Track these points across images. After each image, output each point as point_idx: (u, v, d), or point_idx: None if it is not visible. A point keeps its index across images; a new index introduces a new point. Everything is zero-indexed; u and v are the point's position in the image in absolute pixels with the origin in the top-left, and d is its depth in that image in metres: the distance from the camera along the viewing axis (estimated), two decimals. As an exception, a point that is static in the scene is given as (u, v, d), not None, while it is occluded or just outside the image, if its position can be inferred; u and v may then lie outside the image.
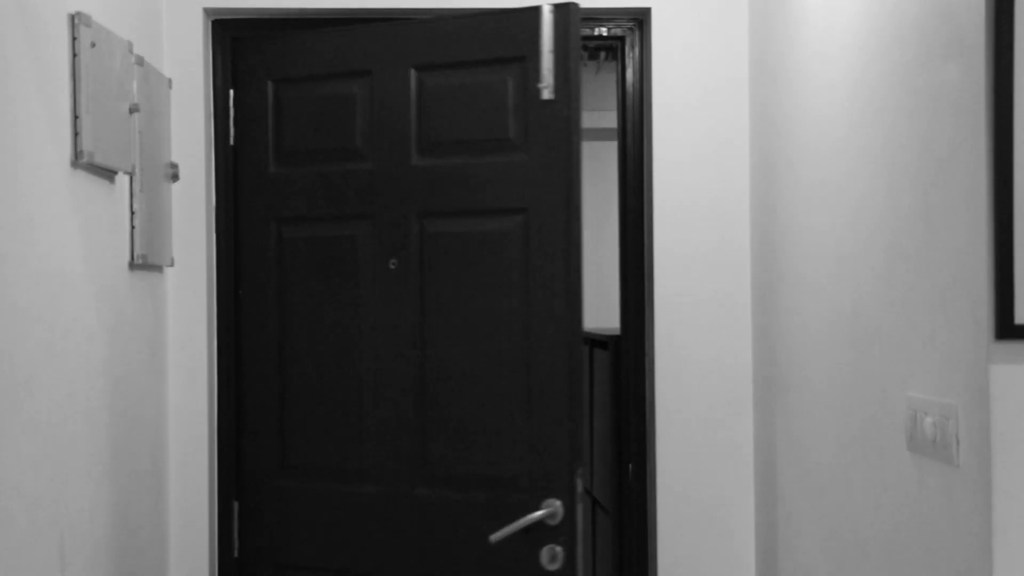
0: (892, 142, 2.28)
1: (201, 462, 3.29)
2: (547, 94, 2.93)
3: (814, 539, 2.82)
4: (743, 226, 3.35)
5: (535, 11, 2.94)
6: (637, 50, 3.43)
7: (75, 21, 2.41)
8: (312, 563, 3.24)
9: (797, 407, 2.95)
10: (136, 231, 2.86)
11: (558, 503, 2.85)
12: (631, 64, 3.44)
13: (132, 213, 2.85)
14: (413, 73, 3.10)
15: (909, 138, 2.19)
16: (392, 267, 3.13)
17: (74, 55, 2.41)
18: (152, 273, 3.10)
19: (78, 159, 2.43)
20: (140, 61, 2.84)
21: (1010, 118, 1.85)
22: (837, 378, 2.62)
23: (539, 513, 2.84)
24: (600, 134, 5.95)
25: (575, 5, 2.92)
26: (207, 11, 3.31)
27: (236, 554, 3.36)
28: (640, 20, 3.42)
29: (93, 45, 2.47)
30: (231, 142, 3.35)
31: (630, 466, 3.45)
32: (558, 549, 2.83)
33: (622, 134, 3.49)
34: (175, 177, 3.22)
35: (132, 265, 2.87)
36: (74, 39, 2.41)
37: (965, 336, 1.94)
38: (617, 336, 3.62)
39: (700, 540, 3.35)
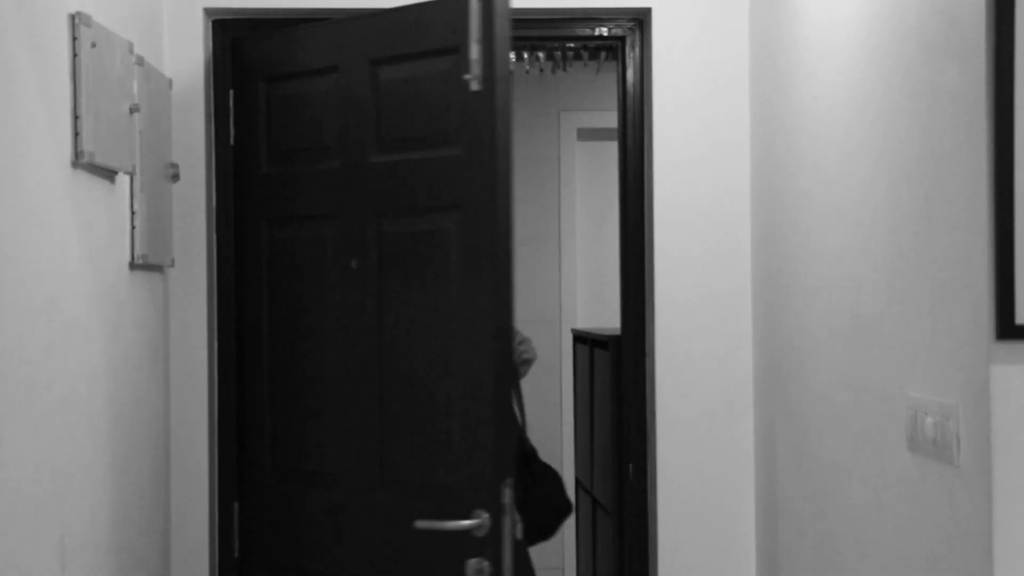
0: (893, 142, 2.28)
1: (202, 462, 3.29)
2: (475, 85, 2.78)
3: (815, 539, 2.82)
4: (744, 226, 3.35)
5: (464, 0, 2.83)
6: (637, 50, 3.43)
7: (75, 21, 2.41)
8: (301, 566, 3.22)
9: (798, 407, 2.95)
10: (136, 231, 2.86)
11: (486, 515, 2.72)
12: (631, 64, 3.44)
13: (132, 213, 2.85)
14: (369, 68, 3.04)
15: (910, 137, 2.19)
16: (354, 267, 3.06)
17: (74, 55, 2.41)
18: (152, 273, 3.10)
19: (78, 159, 2.43)
20: (140, 61, 2.84)
21: (1010, 118, 1.84)
22: (837, 378, 2.62)
23: (463, 523, 2.72)
24: (600, 134, 5.96)
25: None
26: (207, 11, 3.31)
27: (236, 555, 3.36)
28: (640, 20, 3.42)
29: (93, 45, 2.47)
30: (231, 142, 3.35)
31: (630, 466, 3.45)
32: (484, 563, 2.71)
33: (622, 134, 3.48)
34: (175, 177, 3.21)
35: (132, 265, 2.86)
36: (74, 39, 2.41)
37: (966, 336, 1.94)
38: (617, 336, 3.62)
39: (701, 540, 3.35)
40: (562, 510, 3.67)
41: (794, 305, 2.97)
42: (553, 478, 3.64)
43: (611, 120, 3.72)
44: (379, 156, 3.02)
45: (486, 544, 2.71)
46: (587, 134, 6.26)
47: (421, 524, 2.76)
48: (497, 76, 2.77)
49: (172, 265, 3.22)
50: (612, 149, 3.78)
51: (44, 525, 2.26)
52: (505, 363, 2.77)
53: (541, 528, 3.58)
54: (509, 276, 2.78)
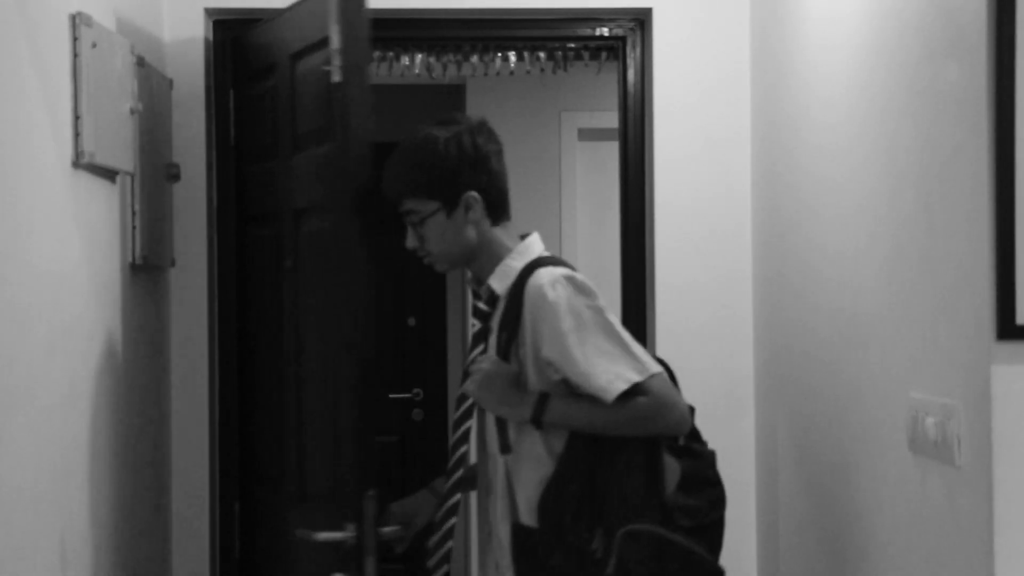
0: (894, 142, 2.28)
1: (202, 462, 3.29)
2: (336, 76, 2.58)
3: (815, 539, 2.82)
4: (744, 226, 3.35)
5: None
6: (638, 50, 3.43)
7: (76, 21, 2.41)
8: (293, 569, 3.22)
9: (798, 407, 2.95)
10: (137, 231, 2.86)
11: (352, 527, 2.49)
12: (632, 64, 3.44)
13: (133, 213, 2.85)
14: (289, 63, 2.97)
15: (911, 137, 2.19)
16: (288, 267, 3.00)
17: (75, 55, 2.41)
18: (153, 273, 3.10)
19: (79, 159, 2.43)
20: (141, 61, 2.84)
21: (1012, 118, 1.84)
22: (838, 378, 2.62)
23: (327, 535, 2.52)
24: (601, 134, 5.95)
25: None
26: (208, 11, 3.31)
27: (237, 555, 3.36)
28: (641, 20, 3.42)
29: (94, 45, 2.47)
30: (231, 142, 3.35)
31: (631, 466, 3.44)
32: None
33: (623, 134, 3.48)
34: (176, 177, 3.21)
35: (133, 265, 2.86)
36: (75, 39, 2.41)
37: (966, 336, 1.94)
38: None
39: (701, 540, 3.35)
40: None
41: (795, 305, 2.97)
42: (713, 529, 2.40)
43: (612, 120, 3.72)
44: (293, 155, 2.97)
45: (351, 557, 2.50)
46: (588, 134, 6.24)
47: (300, 533, 2.61)
48: (356, 66, 2.57)
49: (172, 265, 3.22)
50: (613, 149, 3.77)
51: (44, 525, 2.25)
52: (364, 369, 2.56)
53: None
54: (362, 279, 2.58)
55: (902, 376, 2.22)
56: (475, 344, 2.40)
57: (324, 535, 2.54)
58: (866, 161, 2.43)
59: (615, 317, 2.28)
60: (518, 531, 2.31)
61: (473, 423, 2.44)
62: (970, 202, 1.92)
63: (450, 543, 2.44)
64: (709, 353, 3.34)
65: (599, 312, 2.24)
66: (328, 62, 2.60)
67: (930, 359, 2.10)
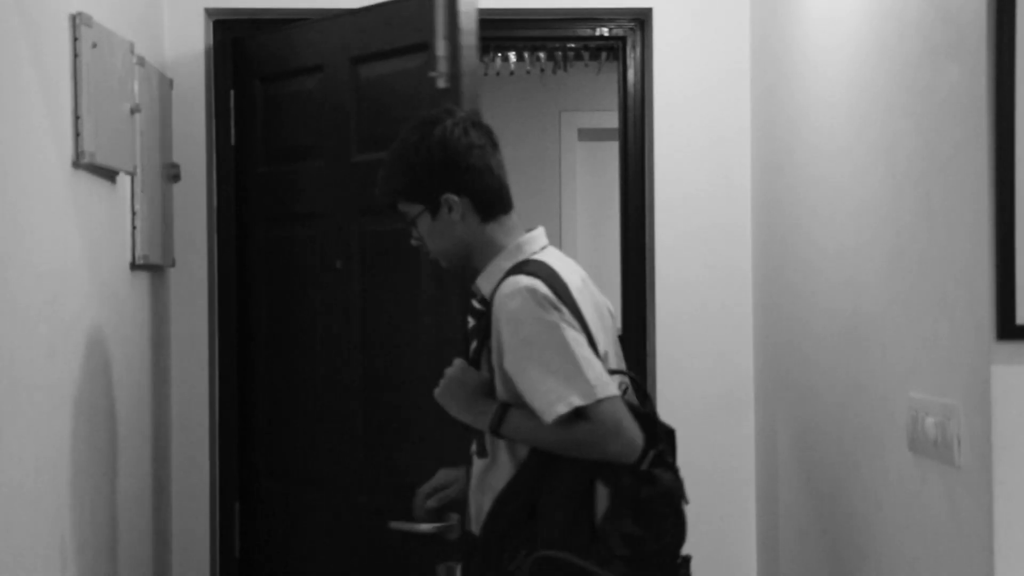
0: (894, 142, 2.28)
1: (202, 462, 3.29)
2: (442, 83, 2.73)
3: (815, 539, 2.82)
4: (744, 227, 3.35)
5: None
6: (638, 50, 3.43)
7: (76, 22, 2.41)
8: (301, 567, 3.22)
9: (798, 406, 2.95)
10: (137, 231, 2.86)
11: (456, 518, 2.53)
12: (632, 64, 3.44)
13: (133, 213, 2.85)
14: (350, 66, 3.03)
15: (911, 137, 2.19)
16: (338, 267, 3.05)
17: (75, 56, 2.41)
18: (153, 273, 3.10)
19: (79, 159, 2.43)
20: (141, 61, 2.84)
21: (1011, 118, 1.84)
22: (839, 378, 2.62)
23: (430, 525, 2.55)
24: (601, 134, 5.95)
25: None
26: (208, 11, 3.31)
27: (237, 554, 3.36)
28: (641, 20, 3.42)
29: (94, 46, 2.47)
30: (232, 142, 3.35)
31: (631, 466, 3.44)
32: (454, 566, 2.58)
33: (623, 134, 3.48)
34: (176, 177, 3.22)
35: (133, 265, 2.86)
36: (75, 40, 2.41)
37: (966, 336, 1.94)
38: (618, 336, 3.62)
39: (701, 539, 3.34)
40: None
41: (795, 305, 2.97)
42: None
43: (612, 120, 3.72)
44: (359, 155, 3.00)
45: (456, 548, 2.56)
46: (588, 134, 6.25)
47: (395, 525, 2.66)
48: (463, 73, 2.70)
49: (173, 265, 3.22)
50: (613, 149, 3.78)
51: (44, 525, 2.26)
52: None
53: None
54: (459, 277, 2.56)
55: (902, 376, 2.22)
56: (469, 342, 2.37)
57: (427, 526, 2.58)
58: (866, 162, 2.43)
59: (577, 332, 2.13)
60: (466, 537, 2.28)
61: None
62: (970, 202, 1.92)
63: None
64: (709, 353, 3.35)
65: (554, 328, 2.11)
66: (433, 68, 2.72)
67: (930, 359, 2.10)
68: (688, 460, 3.34)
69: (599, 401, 2.08)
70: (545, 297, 2.13)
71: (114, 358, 2.70)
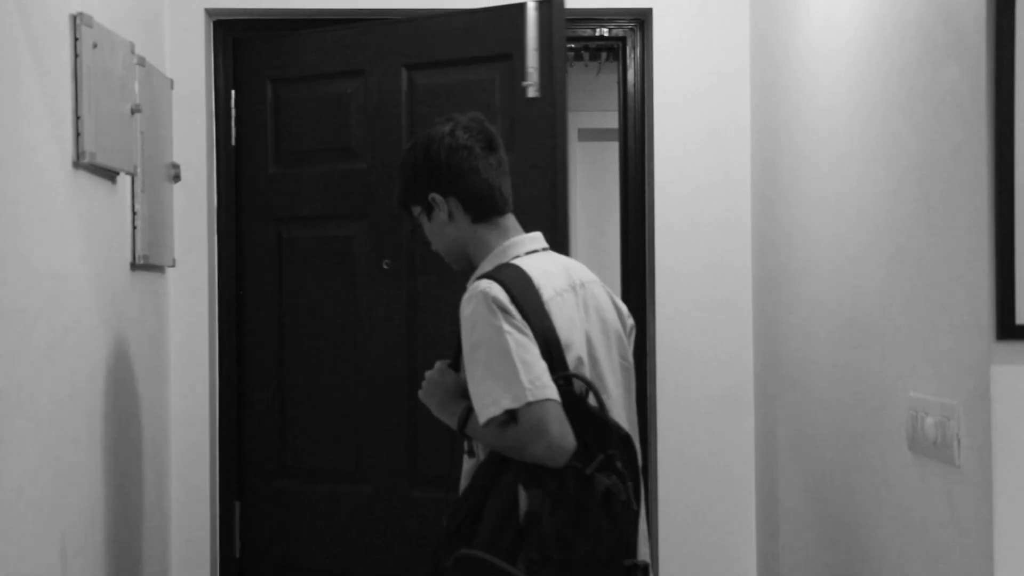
0: (894, 142, 2.28)
1: (202, 462, 3.29)
2: (532, 92, 2.88)
3: (815, 539, 2.82)
4: (744, 227, 3.35)
5: (520, 8, 2.91)
6: (638, 50, 3.44)
7: (77, 22, 2.41)
8: (313, 564, 3.23)
9: (798, 406, 2.95)
10: (138, 232, 2.86)
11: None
12: (632, 64, 3.44)
13: (134, 214, 2.85)
14: (404, 72, 3.09)
15: (911, 138, 2.19)
16: (385, 267, 3.11)
17: (76, 56, 2.41)
18: (153, 273, 3.10)
19: (80, 159, 2.43)
20: (142, 62, 2.84)
21: (1011, 118, 1.84)
22: (838, 378, 2.62)
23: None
24: (601, 134, 5.95)
25: (559, 1, 2.88)
26: (208, 12, 3.31)
27: (237, 554, 3.36)
28: (641, 21, 3.42)
29: (95, 46, 2.47)
30: (232, 142, 3.36)
31: (631, 466, 3.44)
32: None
33: (623, 134, 3.48)
34: (177, 178, 3.22)
35: (133, 265, 2.87)
36: (76, 40, 2.41)
37: (966, 336, 1.94)
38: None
39: (701, 539, 3.35)
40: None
41: (794, 305, 2.97)
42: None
43: (612, 120, 3.72)
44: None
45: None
46: (587, 134, 6.25)
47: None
48: (556, 83, 2.86)
49: (173, 265, 3.22)
50: (613, 150, 3.78)
51: (44, 525, 2.26)
52: None
53: None
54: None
55: (902, 376, 2.22)
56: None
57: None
58: (866, 162, 2.43)
59: (522, 337, 2.13)
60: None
61: None
62: (970, 202, 1.92)
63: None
64: (709, 352, 3.35)
65: (499, 332, 2.12)
66: (524, 78, 2.89)
67: (930, 359, 2.10)
68: (688, 459, 3.37)
69: (528, 404, 2.09)
70: (495, 300, 2.14)
71: (114, 358, 2.70)
